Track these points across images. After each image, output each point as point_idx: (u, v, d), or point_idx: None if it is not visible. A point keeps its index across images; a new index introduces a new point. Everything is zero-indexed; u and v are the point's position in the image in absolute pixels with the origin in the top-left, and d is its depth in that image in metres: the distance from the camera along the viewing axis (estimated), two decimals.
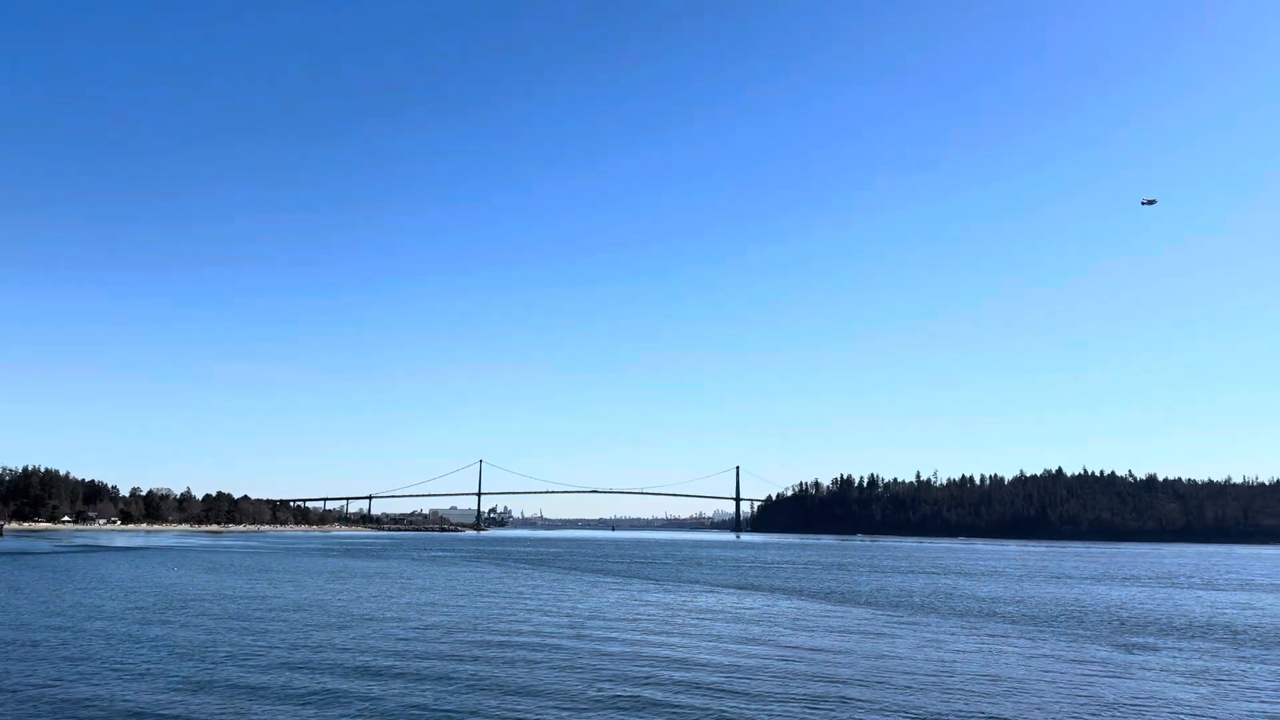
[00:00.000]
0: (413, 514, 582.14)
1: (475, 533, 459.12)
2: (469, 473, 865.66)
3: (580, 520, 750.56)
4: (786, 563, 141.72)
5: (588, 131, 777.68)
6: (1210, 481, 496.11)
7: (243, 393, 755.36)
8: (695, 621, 54.47)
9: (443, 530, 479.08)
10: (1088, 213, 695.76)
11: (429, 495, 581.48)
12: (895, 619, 57.77)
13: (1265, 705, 31.57)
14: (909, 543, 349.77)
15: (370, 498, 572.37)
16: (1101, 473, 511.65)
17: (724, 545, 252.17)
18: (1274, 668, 40.03)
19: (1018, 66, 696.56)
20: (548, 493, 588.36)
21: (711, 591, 78.96)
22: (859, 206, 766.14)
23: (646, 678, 34.90)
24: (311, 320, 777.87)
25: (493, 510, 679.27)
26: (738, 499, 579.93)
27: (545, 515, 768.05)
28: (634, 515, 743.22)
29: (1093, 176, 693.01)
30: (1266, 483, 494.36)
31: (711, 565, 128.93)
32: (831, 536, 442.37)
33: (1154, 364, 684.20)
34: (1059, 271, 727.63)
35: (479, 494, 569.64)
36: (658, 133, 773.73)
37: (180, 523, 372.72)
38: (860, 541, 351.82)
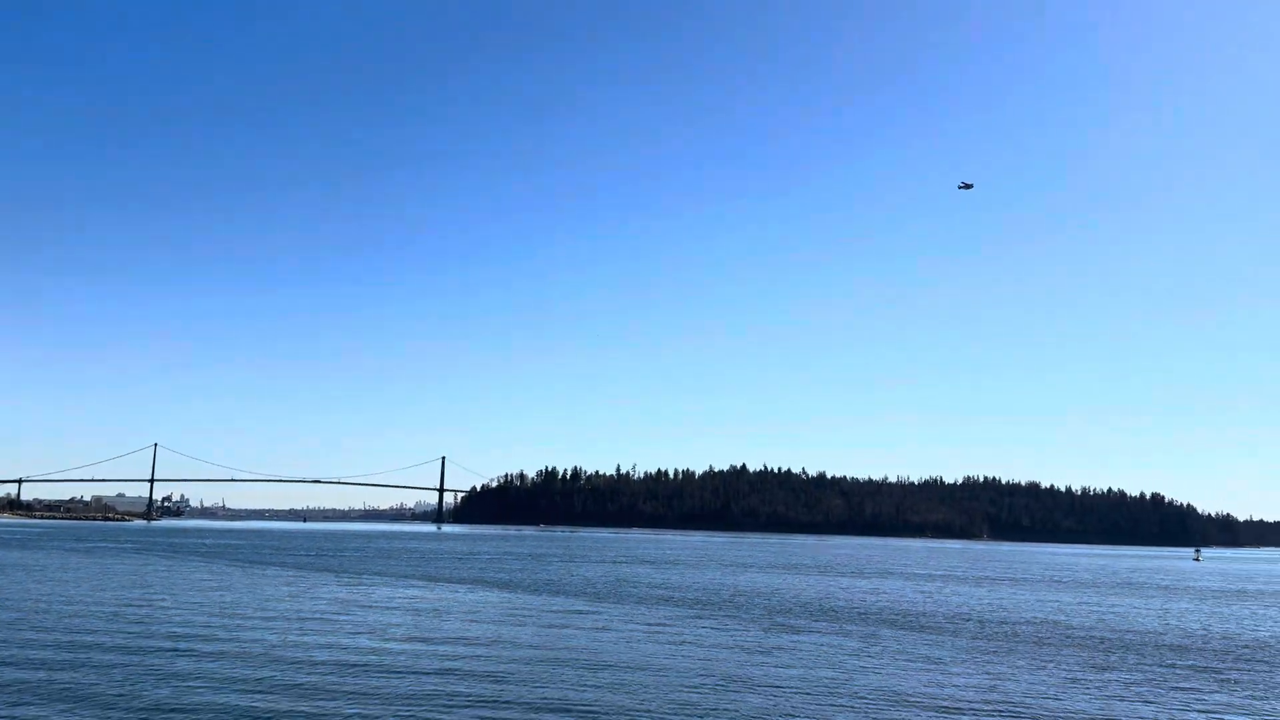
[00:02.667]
0: (72, 500, 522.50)
1: (145, 522, 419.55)
2: (141, 457, 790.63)
3: (268, 511, 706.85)
4: (483, 554, 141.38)
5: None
6: (870, 480, 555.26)
7: None
8: (365, 614, 52.72)
9: (107, 519, 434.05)
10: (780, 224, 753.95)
11: (93, 480, 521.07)
12: (572, 607, 59.11)
13: (884, 680, 35.28)
14: (606, 533, 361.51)
15: (20, 481, 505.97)
16: (779, 469, 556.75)
17: (422, 537, 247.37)
18: (894, 646, 44.96)
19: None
20: (231, 480, 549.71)
21: (394, 584, 76.98)
22: (587, 212, 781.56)
23: (289, 674, 33.13)
24: None
25: (167, 499, 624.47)
26: (441, 490, 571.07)
27: (228, 505, 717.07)
28: (329, 506, 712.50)
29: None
30: (916, 482, 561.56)
31: (404, 557, 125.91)
32: (534, 528, 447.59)
33: (827, 373, 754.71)
34: (748, 289, 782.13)
35: (152, 480, 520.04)
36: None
37: None
38: (560, 532, 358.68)
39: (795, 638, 46.55)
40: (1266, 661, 43.27)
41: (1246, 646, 48.81)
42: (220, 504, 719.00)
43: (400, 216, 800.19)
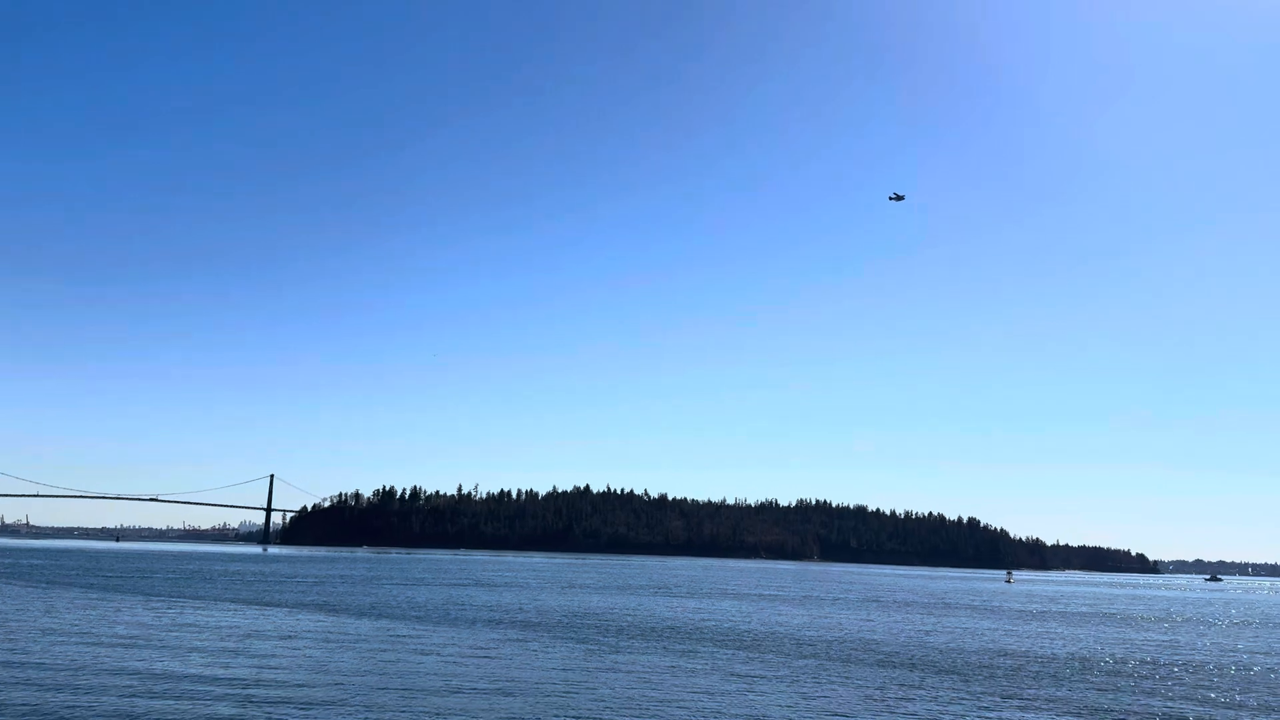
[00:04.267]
0: None
1: None
2: None
3: (77, 529, 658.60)
4: (307, 576, 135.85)
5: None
6: (709, 502, 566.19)
7: None
8: (169, 640, 49.72)
9: None
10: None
11: None
12: (395, 631, 57.56)
13: (693, 697, 35.91)
14: (445, 555, 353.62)
15: None
16: (622, 490, 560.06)
17: (245, 559, 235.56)
18: (710, 664, 45.89)
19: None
20: (36, 495, 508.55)
21: (207, 608, 72.98)
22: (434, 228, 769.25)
23: (69, 711, 30.94)
24: None
25: None
26: (269, 509, 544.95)
27: (32, 522, 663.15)
28: (145, 525, 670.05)
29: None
30: (752, 505, 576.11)
31: (221, 579, 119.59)
32: (368, 549, 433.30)
33: (670, 395, 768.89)
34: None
35: None
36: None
37: None
38: (395, 554, 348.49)
39: (617, 657, 46.86)
40: (1052, 676, 46.54)
41: (1037, 662, 52.39)
42: (24, 521, 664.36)
43: (233, 230, 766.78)
